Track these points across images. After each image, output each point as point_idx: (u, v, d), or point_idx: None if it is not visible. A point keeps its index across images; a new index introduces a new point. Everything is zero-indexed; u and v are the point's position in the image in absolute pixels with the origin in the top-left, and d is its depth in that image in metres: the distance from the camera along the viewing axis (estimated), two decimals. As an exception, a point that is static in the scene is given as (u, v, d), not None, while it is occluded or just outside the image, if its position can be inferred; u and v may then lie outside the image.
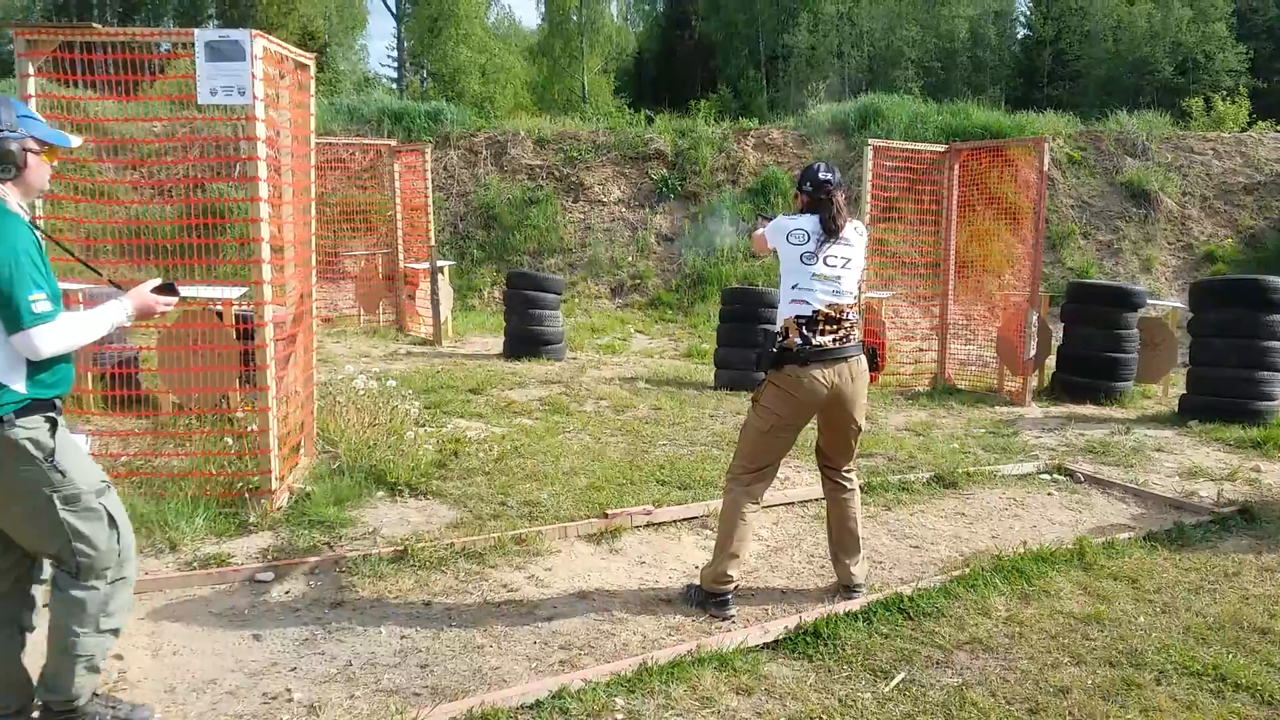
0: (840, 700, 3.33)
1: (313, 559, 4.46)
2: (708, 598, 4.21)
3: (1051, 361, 10.19)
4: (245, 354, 5.37)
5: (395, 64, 48.23)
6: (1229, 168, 18.09)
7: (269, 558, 4.50)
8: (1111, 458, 7.09)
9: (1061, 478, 6.54)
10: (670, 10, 50.98)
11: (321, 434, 6.13)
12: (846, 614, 3.95)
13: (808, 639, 3.76)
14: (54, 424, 2.88)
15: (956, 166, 10.19)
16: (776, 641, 3.76)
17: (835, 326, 4.15)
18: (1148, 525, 5.44)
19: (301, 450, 5.73)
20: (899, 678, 3.49)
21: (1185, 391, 8.75)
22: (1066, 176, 17.85)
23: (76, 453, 2.94)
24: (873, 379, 9.65)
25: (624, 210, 17.97)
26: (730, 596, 4.20)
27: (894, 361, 10.58)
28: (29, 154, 2.91)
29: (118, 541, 2.97)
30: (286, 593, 4.17)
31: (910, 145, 11.22)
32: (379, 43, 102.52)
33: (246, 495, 5.00)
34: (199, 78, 4.65)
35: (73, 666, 2.92)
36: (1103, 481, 6.38)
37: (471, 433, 6.96)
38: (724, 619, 4.12)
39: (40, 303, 2.76)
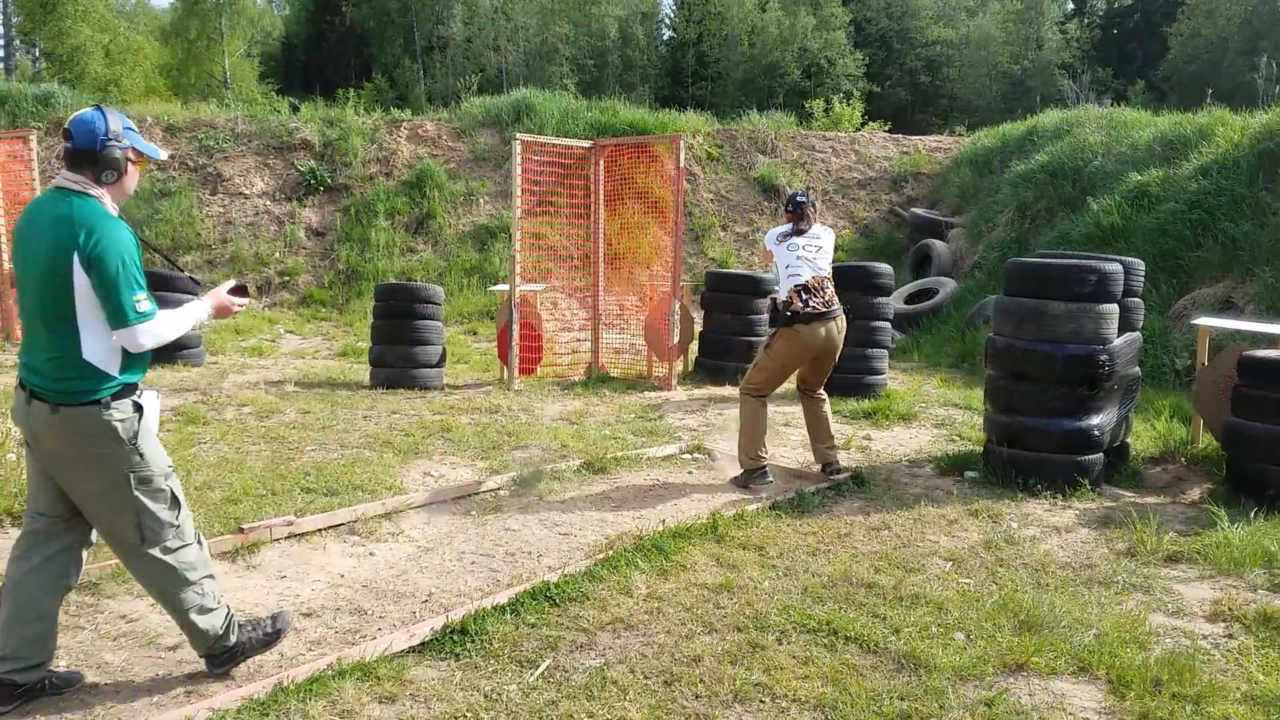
0: (486, 695, 3.32)
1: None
2: (750, 475, 6.16)
3: (695, 347, 10.82)
4: None
5: (1, 42, 42.57)
6: (845, 164, 20.05)
7: None
8: (746, 434, 7.62)
9: (701, 456, 6.96)
10: (318, -7, 48.85)
11: (-107, 464, 5.29)
12: (494, 608, 3.94)
13: (455, 638, 3.71)
14: (139, 409, 3.22)
15: (601, 162, 10.53)
16: (424, 644, 3.67)
17: (820, 292, 6.07)
18: (774, 495, 5.89)
19: None
20: (544, 665, 3.53)
21: (810, 370, 9.58)
22: (706, 172, 19.03)
23: (153, 439, 3.28)
24: (529, 371, 9.79)
25: (269, 203, 16.99)
26: (766, 468, 6.20)
27: (552, 353, 10.78)
28: (129, 162, 3.24)
29: (177, 518, 3.31)
30: None
31: (558, 140, 11.48)
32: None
33: None
34: None
35: (189, 619, 3.31)
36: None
37: (88, 450, 6.28)
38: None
39: (142, 302, 3.10)
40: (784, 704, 3.29)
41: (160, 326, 3.15)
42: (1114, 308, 5.95)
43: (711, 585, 4.35)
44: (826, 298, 6.08)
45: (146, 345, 3.12)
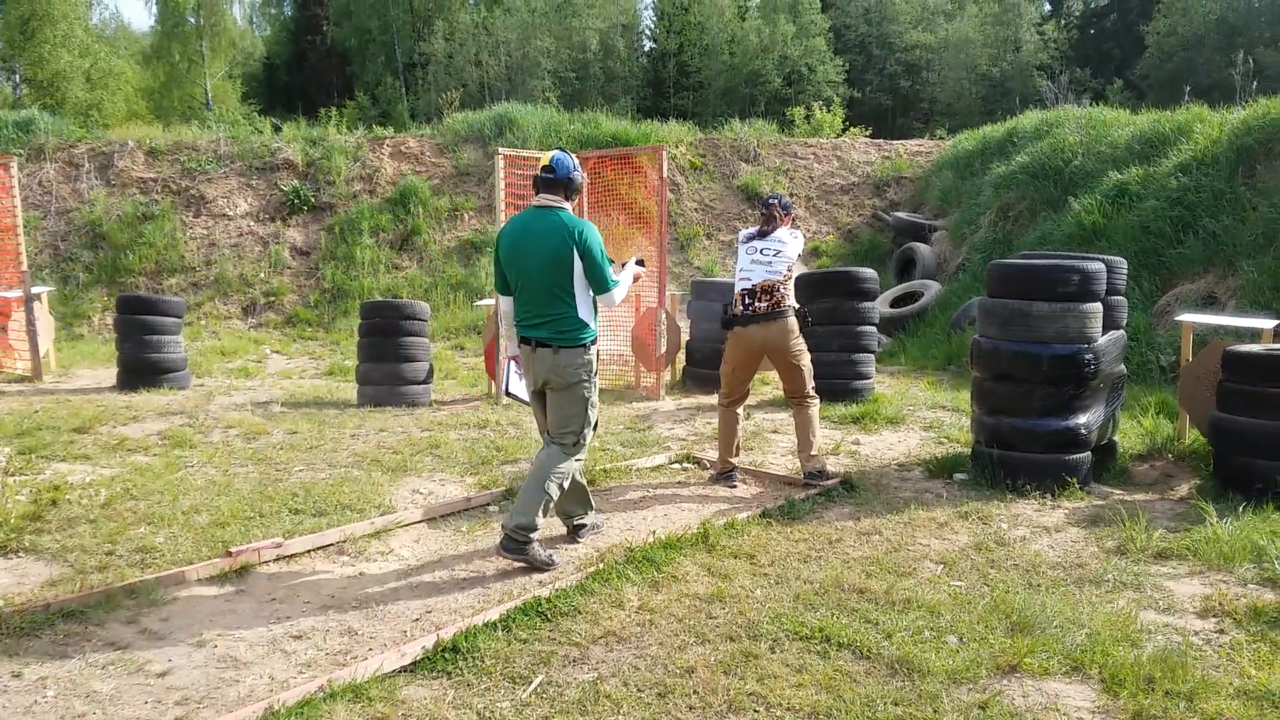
0: (479, 713, 3.29)
1: None
2: (717, 478, 6.43)
3: (682, 356, 10.81)
4: None
5: (-20, 69, 42.36)
6: (828, 170, 20.11)
7: None
8: (735, 442, 7.61)
9: (690, 465, 6.95)
10: (299, 14, 48.90)
11: (-123, 496, 5.25)
12: (485, 625, 3.93)
13: (447, 656, 3.69)
14: (597, 354, 4.74)
15: (585, 173, 10.52)
16: (415, 663, 3.65)
17: (766, 296, 6.15)
18: (764, 503, 5.88)
19: None
20: (536, 681, 3.51)
21: (797, 376, 9.59)
22: (690, 181, 19.06)
23: (597, 378, 4.77)
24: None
25: (253, 224, 16.96)
26: (732, 473, 6.42)
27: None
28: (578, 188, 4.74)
29: (588, 439, 4.83)
30: None
31: (541, 153, 11.47)
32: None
33: None
34: None
35: (540, 503, 4.62)
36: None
37: (75, 477, 6.24)
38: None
39: (613, 275, 4.66)
40: (778, 713, 3.28)
41: (621, 291, 4.73)
42: (1098, 306, 5.97)
43: (703, 595, 4.33)
44: (772, 301, 6.16)
45: (617, 302, 4.74)
